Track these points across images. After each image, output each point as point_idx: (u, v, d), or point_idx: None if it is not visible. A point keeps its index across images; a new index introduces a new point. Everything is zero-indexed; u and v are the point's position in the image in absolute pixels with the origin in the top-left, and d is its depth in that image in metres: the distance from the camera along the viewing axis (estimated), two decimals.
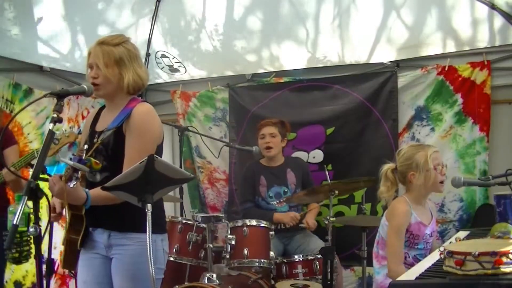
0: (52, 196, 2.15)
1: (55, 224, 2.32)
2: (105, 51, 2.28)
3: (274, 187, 4.03)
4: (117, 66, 2.29)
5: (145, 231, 1.99)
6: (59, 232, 2.98)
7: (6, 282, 3.81)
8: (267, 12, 4.29)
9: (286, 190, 4.02)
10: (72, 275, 3.53)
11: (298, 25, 4.23)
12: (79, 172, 1.98)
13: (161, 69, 4.80)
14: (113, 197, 2.09)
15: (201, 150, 4.77)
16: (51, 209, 2.22)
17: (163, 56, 4.69)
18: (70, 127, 4.24)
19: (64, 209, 2.30)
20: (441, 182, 2.80)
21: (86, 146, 2.13)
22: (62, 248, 2.37)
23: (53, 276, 4.20)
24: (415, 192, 2.82)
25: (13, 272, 3.90)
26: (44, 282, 2.11)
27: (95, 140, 2.31)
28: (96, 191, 2.14)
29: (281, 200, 3.98)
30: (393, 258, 2.68)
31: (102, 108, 2.49)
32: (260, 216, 3.66)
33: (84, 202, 2.13)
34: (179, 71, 4.78)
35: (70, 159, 1.99)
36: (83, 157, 1.99)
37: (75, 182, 1.98)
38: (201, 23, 4.41)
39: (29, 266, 3.89)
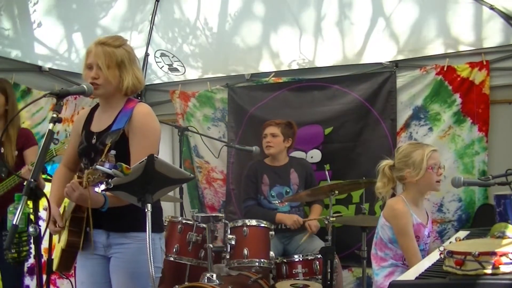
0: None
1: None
2: (107, 52, 2.26)
3: (277, 187, 4.02)
4: (118, 69, 2.29)
5: (144, 230, 2.00)
6: None
7: None
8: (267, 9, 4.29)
9: (288, 190, 4.01)
10: (65, 277, 3.50)
11: (297, 23, 4.22)
12: (111, 178, 1.95)
13: (161, 68, 4.78)
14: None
15: (199, 150, 4.77)
16: (50, 221, 2.21)
17: (162, 55, 4.69)
18: (65, 129, 4.22)
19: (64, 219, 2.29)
20: (437, 182, 2.78)
21: (114, 152, 2.06)
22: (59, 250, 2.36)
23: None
24: (412, 192, 2.80)
25: None
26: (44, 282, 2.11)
27: (93, 141, 2.31)
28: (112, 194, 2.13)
29: (283, 200, 3.98)
30: (414, 261, 2.52)
31: (94, 108, 2.47)
32: (262, 215, 3.67)
33: (102, 205, 2.14)
34: (178, 70, 4.78)
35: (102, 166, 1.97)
36: (115, 163, 1.95)
37: (106, 187, 1.96)
38: (200, 18, 4.40)
39: None
